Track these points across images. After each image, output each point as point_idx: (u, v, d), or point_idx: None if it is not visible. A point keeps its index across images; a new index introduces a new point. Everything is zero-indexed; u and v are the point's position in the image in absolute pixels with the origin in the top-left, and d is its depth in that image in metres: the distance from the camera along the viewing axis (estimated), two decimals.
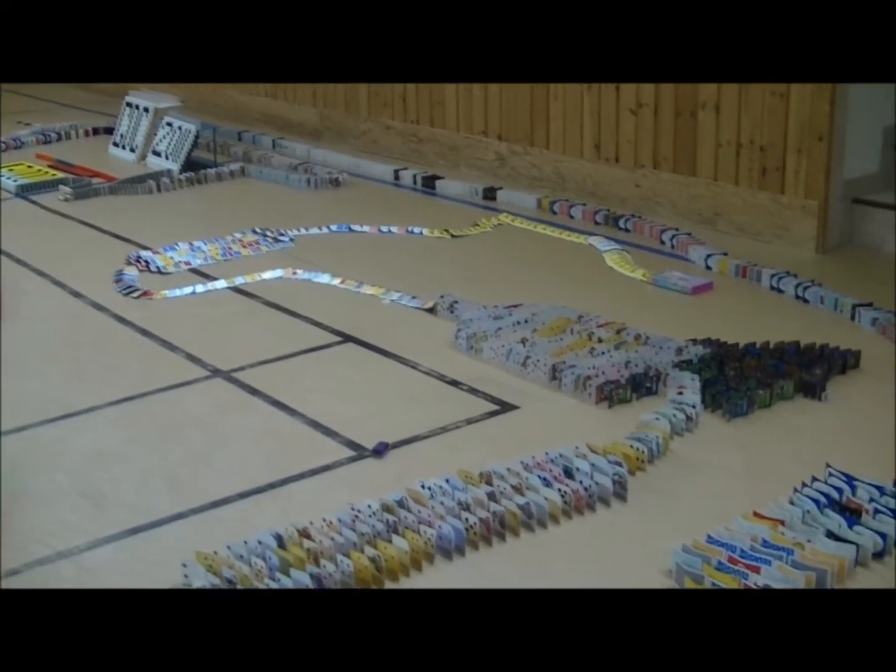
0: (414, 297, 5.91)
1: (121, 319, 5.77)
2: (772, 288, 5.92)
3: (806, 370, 4.72)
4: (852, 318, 5.48)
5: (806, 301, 5.73)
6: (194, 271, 6.53)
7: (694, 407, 4.44)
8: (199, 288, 6.23)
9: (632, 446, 4.14)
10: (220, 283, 6.29)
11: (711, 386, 4.62)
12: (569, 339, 5.12)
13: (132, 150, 9.27)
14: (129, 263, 6.60)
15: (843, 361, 4.87)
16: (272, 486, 4.10)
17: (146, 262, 6.61)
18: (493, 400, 4.73)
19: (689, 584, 3.35)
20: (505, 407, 4.68)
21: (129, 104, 9.46)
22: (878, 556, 3.56)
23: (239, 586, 3.41)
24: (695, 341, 5.04)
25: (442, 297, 5.69)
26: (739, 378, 4.69)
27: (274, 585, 3.39)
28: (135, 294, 6.13)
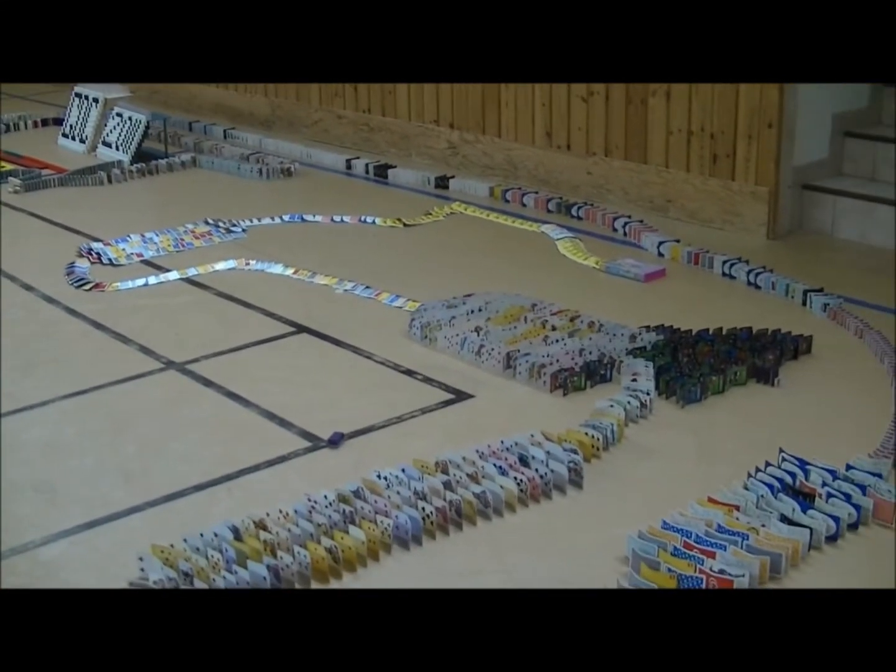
0: (367, 287, 5.90)
1: (73, 312, 5.74)
2: (724, 274, 5.95)
3: (758, 356, 4.74)
4: (804, 303, 5.51)
5: (758, 287, 5.76)
6: (146, 263, 6.50)
7: (648, 394, 4.46)
8: (152, 279, 6.20)
9: (587, 433, 4.15)
10: (173, 275, 6.26)
11: (665, 372, 4.64)
12: (523, 327, 5.13)
13: (82, 142, 9.22)
14: (81, 255, 6.57)
15: (795, 347, 4.90)
16: (228, 477, 4.10)
17: (98, 253, 6.58)
18: (447, 389, 4.74)
19: (644, 571, 3.36)
20: (460, 395, 4.68)
21: (77, 95, 9.40)
22: (832, 539, 3.59)
23: (196, 579, 3.41)
24: (648, 328, 5.06)
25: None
26: (693, 364, 4.71)
27: (231, 578, 3.38)
28: (86, 286, 6.10)
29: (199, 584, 3.37)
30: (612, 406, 4.34)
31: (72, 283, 6.14)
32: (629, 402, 4.38)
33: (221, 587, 3.37)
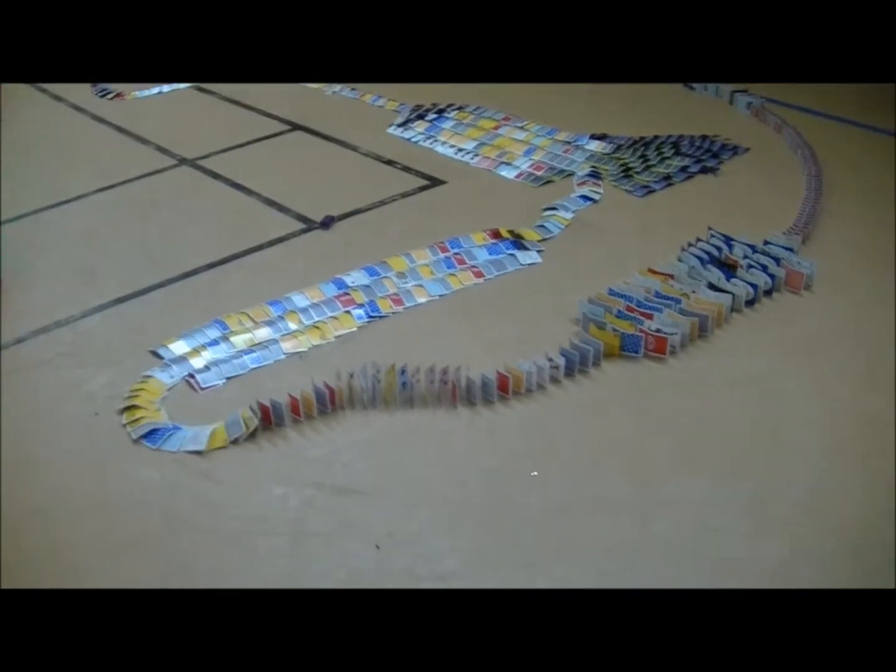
0: (353, 89, 5.80)
1: (99, 119, 5.64)
2: None
3: (699, 158, 4.72)
4: (730, 102, 5.43)
5: (692, 88, 5.67)
6: None
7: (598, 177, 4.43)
8: (166, 88, 6.09)
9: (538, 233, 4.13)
10: (183, 83, 6.15)
11: (618, 162, 4.63)
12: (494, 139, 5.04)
13: None
14: None
15: (734, 151, 4.82)
16: (235, 256, 4.07)
17: None
18: (423, 176, 4.68)
19: (593, 330, 3.37)
20: (434, 182, 4.63)
21: None
22: (750, 303, 3.60)
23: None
24: (602, 137, 4.95)
25: None
26: (643, 158, 4.68)
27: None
28: (109, 96, 5.99)
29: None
30: (557, 210, 4.31)
31: (96, 94, 6.03)
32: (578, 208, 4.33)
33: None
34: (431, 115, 5.29)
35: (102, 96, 5.96)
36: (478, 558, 2.59)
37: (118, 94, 5.97)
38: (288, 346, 3.46)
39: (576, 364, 3.26)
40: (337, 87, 5.85)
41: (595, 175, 4.55)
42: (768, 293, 3.67)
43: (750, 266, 3.73)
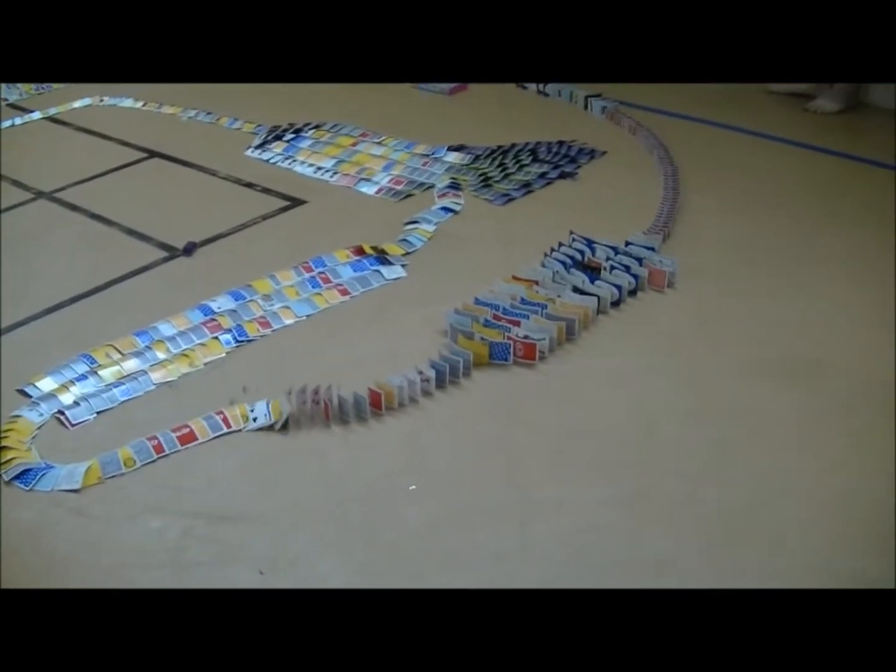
0: (209, 113, 5.77)
1: None
2: (518, 85, 5.91)
3: (557, 164, 4.77)
4: (585, 107, 5.51)
5: (546, 95, 5.74)
6: (11, 106, 6.26)
7: (459, 188, 4.46)
8: (17, 120, 5.98)
9: (401, 247, 4.15)
10: (36, 115, 6.05)
11: (477, 172, 4.66)
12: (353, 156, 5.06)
13: None
14: None
15: (591, 155, 4.90)
16: (99, 288, 4.01)
17: None
18: (284, 197, 4.67)
19: (461, 341, 3.39)
20: (295, 202, 4.62)
21: None
22: (616, 304, 3.66)
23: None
24: (460, 148, 5.00)
25: None
26: (501, 167, 4.73)
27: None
28: None
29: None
30: (420, 223, 4.33)
31: None
32: (440, 220, 4.36)
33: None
34: (289, 136, 5.29)
35: None
36: (362, 575, 2.60)
37: None
38: (157, 375, 3.43)
39: (446, 376, 3.28)
40: (192, 112, 5.80)
41: (455, 186, 4.60)
42: (633, 293, 3.73)
43: (613, 267, 3.79)
